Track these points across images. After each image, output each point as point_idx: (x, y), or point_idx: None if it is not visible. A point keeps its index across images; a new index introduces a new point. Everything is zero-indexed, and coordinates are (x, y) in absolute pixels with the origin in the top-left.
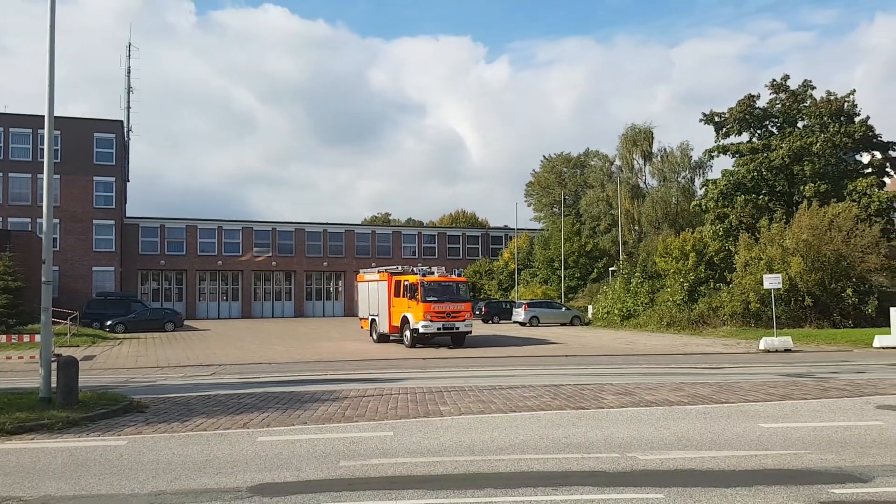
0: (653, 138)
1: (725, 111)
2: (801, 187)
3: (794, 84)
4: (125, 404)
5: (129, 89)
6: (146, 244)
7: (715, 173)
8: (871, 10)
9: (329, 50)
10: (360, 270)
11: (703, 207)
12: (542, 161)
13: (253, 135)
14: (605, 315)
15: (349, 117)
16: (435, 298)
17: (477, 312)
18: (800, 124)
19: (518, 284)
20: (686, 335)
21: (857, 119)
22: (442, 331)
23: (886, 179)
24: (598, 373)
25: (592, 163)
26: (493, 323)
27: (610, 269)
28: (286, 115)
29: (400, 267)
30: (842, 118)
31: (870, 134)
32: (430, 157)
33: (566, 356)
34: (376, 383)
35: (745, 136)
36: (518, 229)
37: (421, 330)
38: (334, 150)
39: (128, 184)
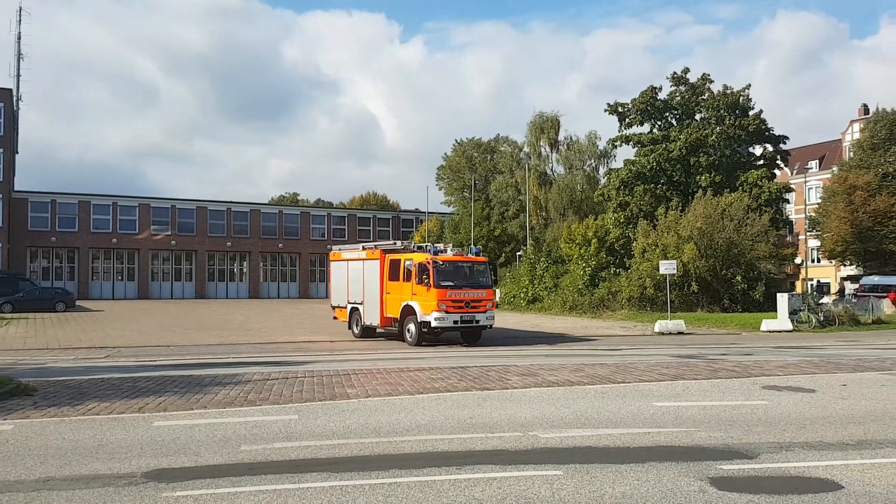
0: (559, 126)
1: (629, 102)
2: (697, 177)
3: (693, 77)
4: (11, 387)
5: (19, 56)
6: (36, 220)
7: (619, 162)
8: (773, 5)
9: (239, 21)
10: (334, 247)
11: (606, 196)
12: (453, 145)
13: (155, 108)
14: (512, 299)
15: (259, 92)
16: (451, 283)
17: None
18: (697, 116)
19: None
20: (587, 318)
21: (751, 113)
22: (460, 324)
23: (776, 171)
24: (503, 354)
25: (502, 148)
26: None
27: (517, 253)
28: (192, 88)
29: (399, 242)
30: (737, 111)
31: (762, 127)
32: (344, 137)
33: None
34: (282, 367)
35: (646, 127)
36: (429, 213)
37: (434, 323)
38: (242, 127)
39: (17, 156)
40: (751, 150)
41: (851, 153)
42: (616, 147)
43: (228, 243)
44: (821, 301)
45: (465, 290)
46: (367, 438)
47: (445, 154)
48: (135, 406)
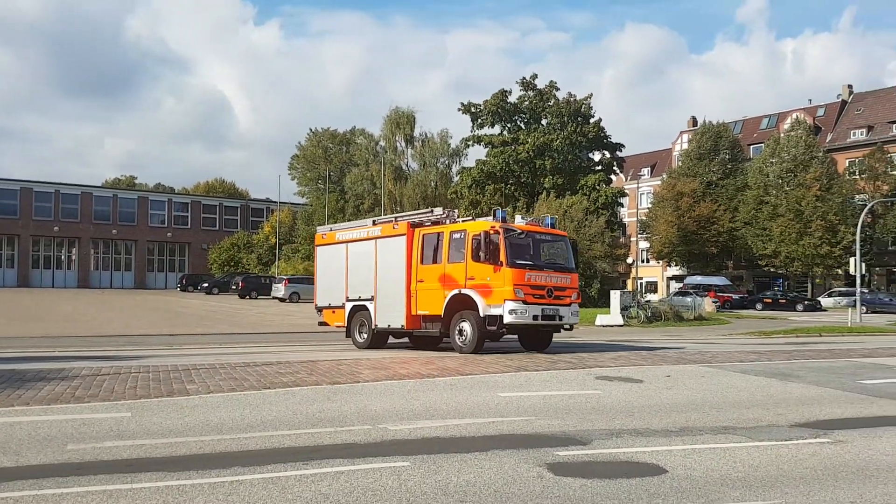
0: (415, 122)
1: (481, 103)
2: (542, 179)
3: (541, 84)
4: None
5: None
6: None
7: (471, 161)
8: (621, 17)
9: None
10: (323, 229)
11: (459, 193)
12: (308, 135)
13: None
14: None
15: (98, 66)
16: (529, 262)
17: (233, 287)
18: (544, 121)
19: (279, 259)
20: None
21: (591, 121)
22: (540, 320)
23: (613, 177)
24: (355, 348)
25: (358, 141)
26: (250, 298)
27: None
28: (20, 58)
29: (440, 210)
30: (579, 118)
31: (601, 135)
32: (192, 119)
33: (326, 332)
34: (114, 361)
35: (497, 129)
36: (281, 202)
37: (508, 318)
38: (77, 102)
39: None
40: (591, 155)
41: (680, 162)
42: (469, 146)
43: (56, 228)
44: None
45: (546, 273)
46: (207, 436)
47: (299, 143)
48: None
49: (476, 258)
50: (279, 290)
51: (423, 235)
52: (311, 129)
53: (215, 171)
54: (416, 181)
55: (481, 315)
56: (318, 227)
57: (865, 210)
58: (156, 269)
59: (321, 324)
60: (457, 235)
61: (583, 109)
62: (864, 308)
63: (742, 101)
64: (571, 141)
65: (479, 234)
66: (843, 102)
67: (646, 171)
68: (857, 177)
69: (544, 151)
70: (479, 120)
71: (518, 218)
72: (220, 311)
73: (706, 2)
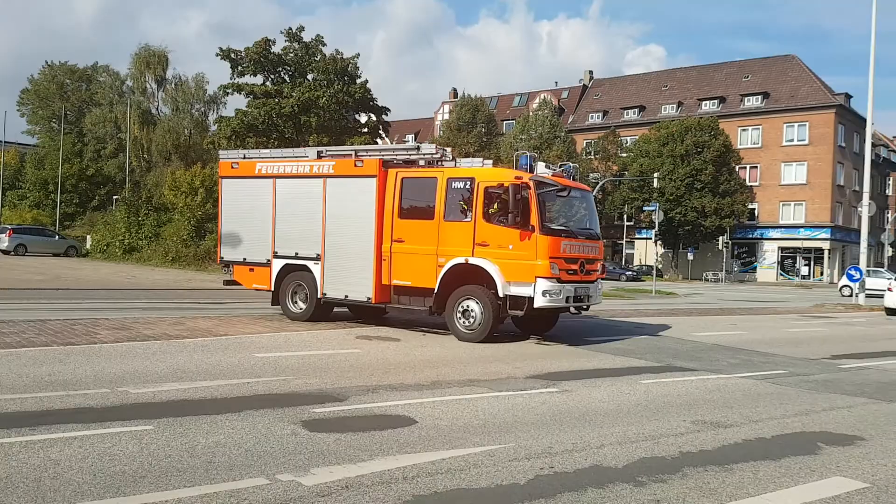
0: (167, 64)
1: (242, 50)
2: (308, 137)
3: (308, 37)
4: None
5: None
6: None
7: (230, 110)
8: None
9: None
10: (233, 155)
11: (217, 144)
12: (42, 68)
13: None
14: (106, 247)
15: None
16: (564, 229)
17: None
18: (310, 77)
19: (3, 207)
20: (192, 271)
21: (358, 81)
22: (572, 301)
23: (379, 140)
24: (92, 307)
25: (101, 79)
26: None
27: (114, 197)
28: None
29: (430, 146)
30: (346, 78)
31: (367, 97)
32: None
33: (57, 289)
34: None
35: (259, 79)
36: (6, 142)
37: (541, 300)
38: None
39: None
40: (357, 117)
41: (441, 132)
42: (228, 94)
43: None
44: None
45: (580, 242)
46: None
47: (31, 76)
48: None
49: (489, 218)
50: (2, 241)
51: (404, 179)
52: (46, 62)
53: None
54: (167, 127)
55: (500, 294)
56: (221, 153)
57: (597, 187)
58: None
59: (228, 283)
60: (459, 184)
61: (350, 69)
62: None
63: (502, 77)
64: (338, 100)
65: (499, 187)
66: (584, 87)
67: (410, 137)
68: (593, 157)
69: (310, 108)
70: (240, 67)
71: (540, 166)
72: None
73: None
